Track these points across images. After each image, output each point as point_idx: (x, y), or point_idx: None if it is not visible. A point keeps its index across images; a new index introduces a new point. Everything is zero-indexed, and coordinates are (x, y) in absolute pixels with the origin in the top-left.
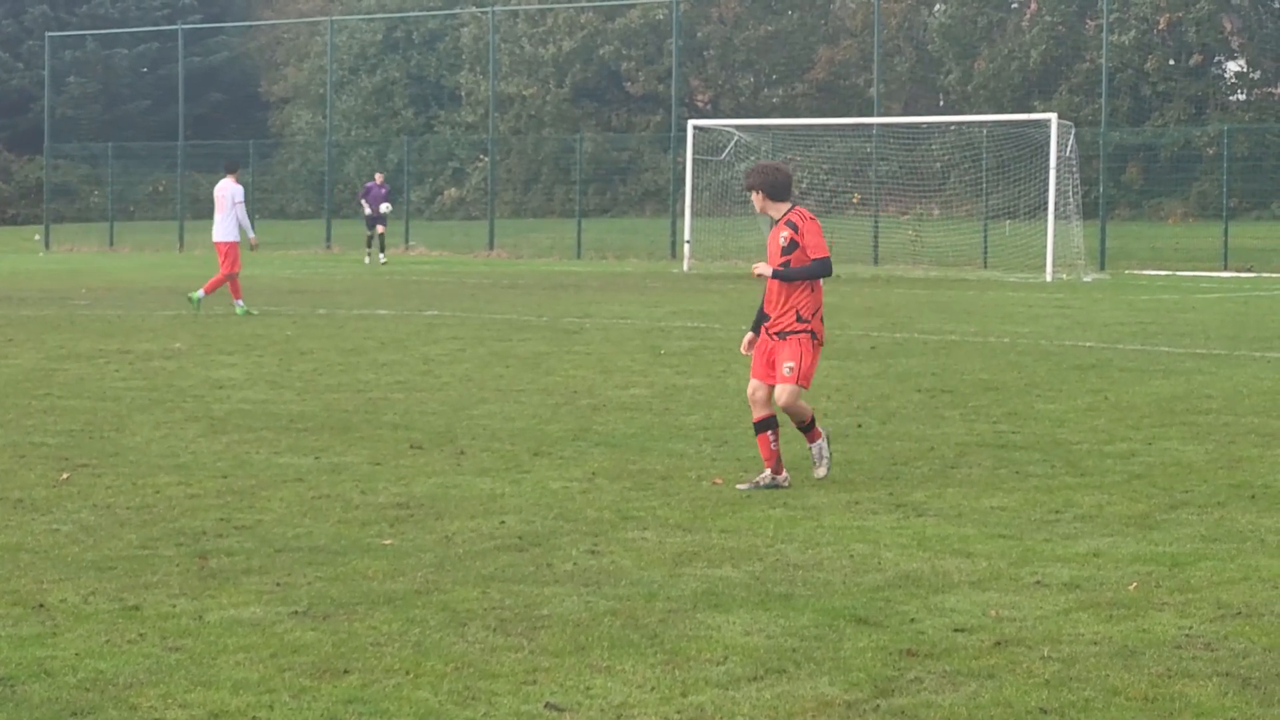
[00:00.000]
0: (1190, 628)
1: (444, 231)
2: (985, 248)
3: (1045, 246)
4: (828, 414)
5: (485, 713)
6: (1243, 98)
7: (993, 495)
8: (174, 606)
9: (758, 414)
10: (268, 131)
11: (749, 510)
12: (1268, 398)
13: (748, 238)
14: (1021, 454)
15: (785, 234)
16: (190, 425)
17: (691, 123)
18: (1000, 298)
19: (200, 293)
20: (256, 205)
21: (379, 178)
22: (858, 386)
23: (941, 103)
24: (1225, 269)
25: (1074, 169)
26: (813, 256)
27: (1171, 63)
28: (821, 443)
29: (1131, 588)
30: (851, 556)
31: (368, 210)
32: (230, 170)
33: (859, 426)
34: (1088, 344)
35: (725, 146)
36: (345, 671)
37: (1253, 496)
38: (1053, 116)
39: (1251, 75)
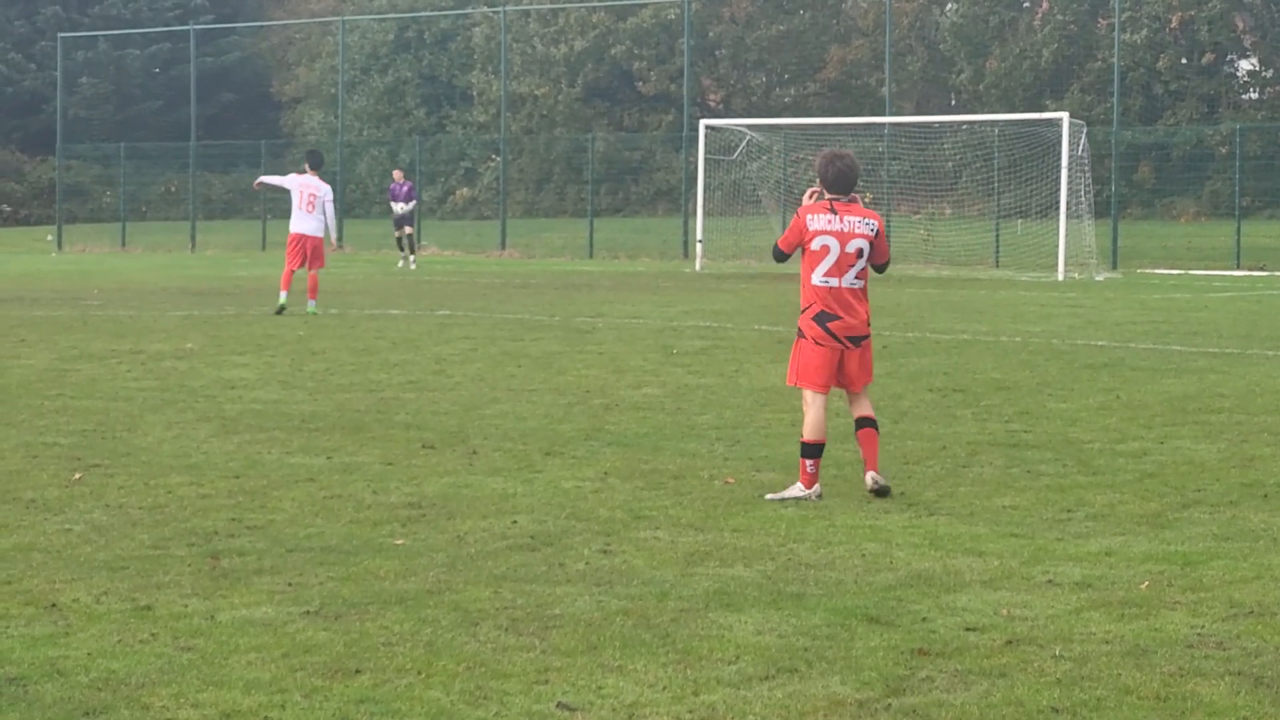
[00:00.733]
0: (1202, 627)
1: (456, 231)
2: (997, 247)
3: (1057, 245)
4: (839, 414)
5: (497, 712)
6: (1255, 96)
7: (1004, 494)
8: (186, 606)
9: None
10: (279, 131)
11: (761, 510)
12: None
13: (759, 237)
14: (1033, 453)
15: None
16: (202, 425)
17: (703, 122)
18: (1012, 297)
19: (312, 303)
20: (269, 205)
21: (398, 175)
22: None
23: (953, 102)
24: (1238, 268)
25: (1086, 168)
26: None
27: (1184, 61)
28: (798, 487)
29: (1143, 587)
30: (863, 556)
31: (396, 210)
32: (316, 165)
33: None
34: (1100, 343)
35: (737, 146)
36: (357, 671)
37: (1265, 495)
38: (1064, 115)
39: (1264, 74)
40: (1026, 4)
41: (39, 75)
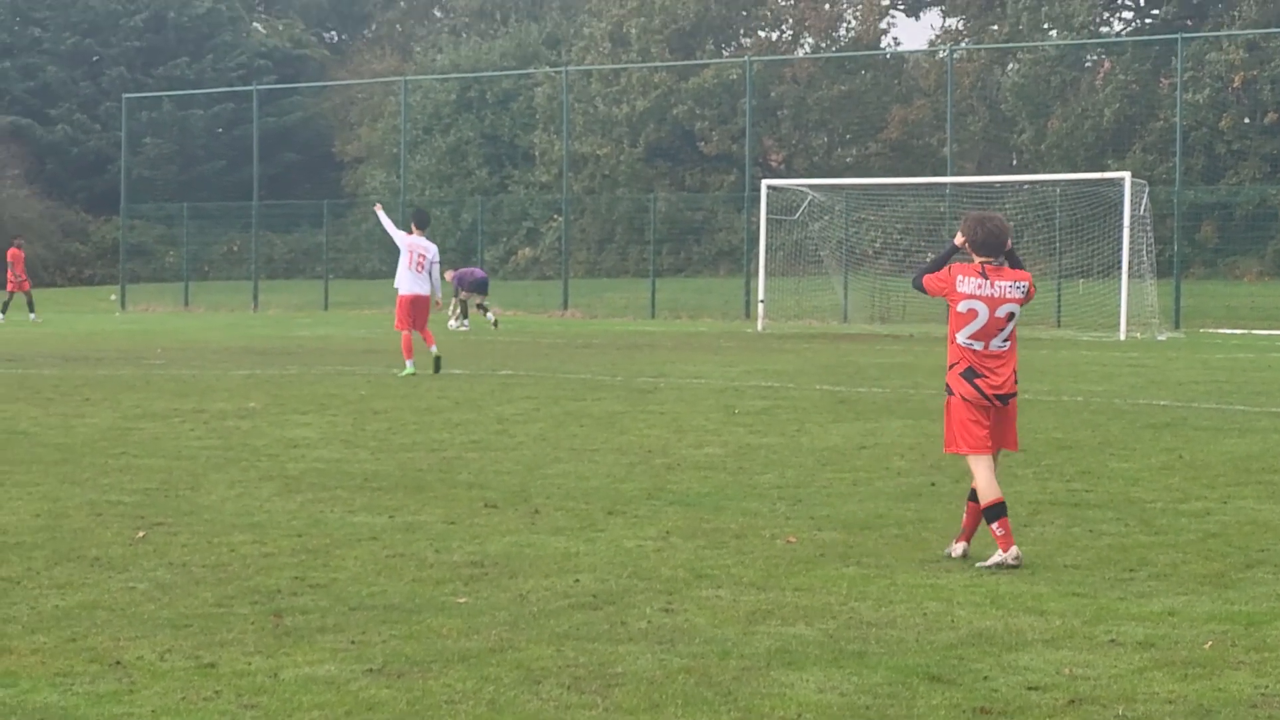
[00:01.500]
0: (1266, 687)
1: (518, 291)
2: (1059, 306)
3: (1119, 305)
4: (901, 473)
5: None
6: None
7: (1066, 553)
8: (249, 664)
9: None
10: (341, 191)
11: (822, 569)
12: None
13: (821, 297)
14: (1095, 512)
15: None
16: (265, 484)
17: (765, 182)
18: (1074, 356)
19: (433, 349)
20: (331, 265)
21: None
22: (931, 445)
23: (1014, 162)
24: None
25: (1148, 228)
26: (927, 273)
27: (1246, 121)
28: (997, 554)
29: (1207, 646)
30: (925, 614)
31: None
32: (423, 225)
33: (932, 485)
34: (1162, 402)
35: (799, 206)
36: None
37: None
38: (1126, 175)
39: None
40: (1088, 64)
41: (104, 136)
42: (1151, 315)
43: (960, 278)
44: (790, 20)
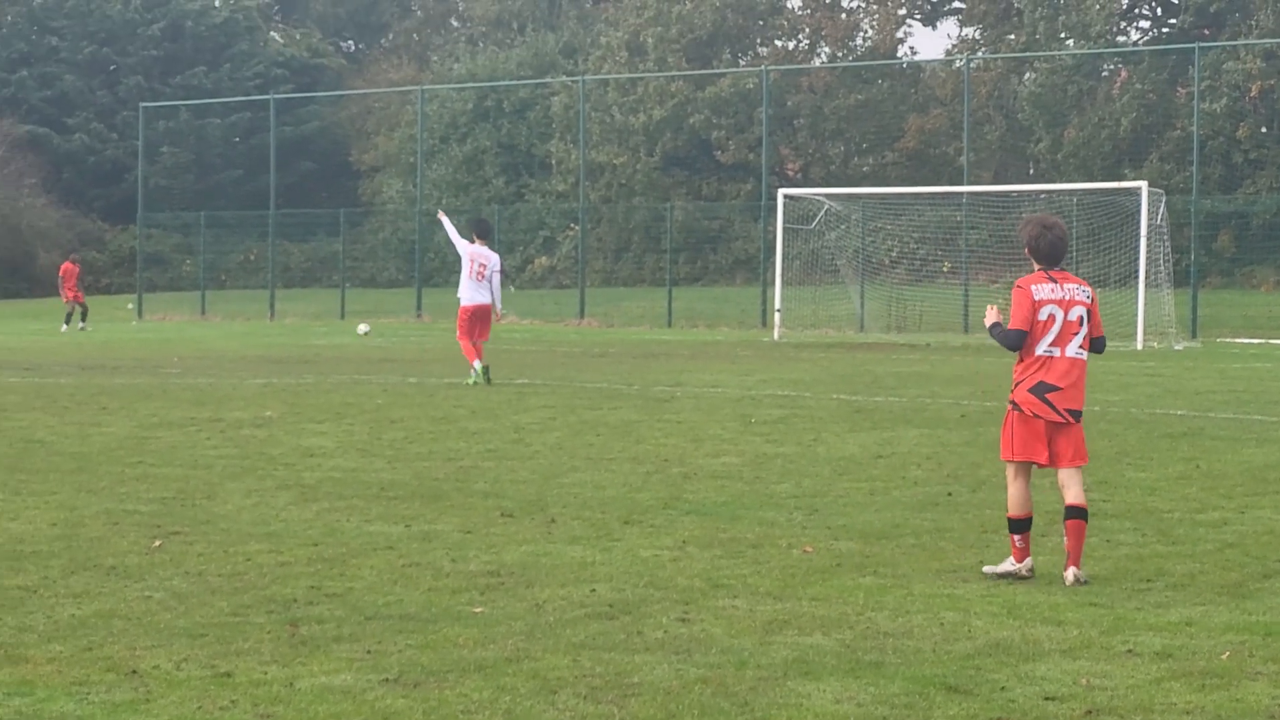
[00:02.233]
0: None
1: (535, 300)
2: None
3: (1136, 314)
4: (918, 483)
5: None
6: None
7: (1083, 563)
8: (265, 673)
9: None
10: (358, 200)
11: (839, 578)
12: None
13: (838, 306)
14: (1112, 522)
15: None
16: (281, 493)
17: (782, 191)
18: (1091, 365)
19: (478, 364)
20: (347, 274)
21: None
22: (948, 455)
23: (1031, 171)
24: None
25: (1165, 237)
26: (1010, 327)
27: (1264, 130)
28: (1009, 562)
29: (1224, 657)
30: (942, 624)
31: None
32: (484, 234)
33: (949, 495)
34: (1179, 412)
35: (815, 215)
36: None
37: None
38: (1143, 185)
39: None
40: (1105, 73)
41: (121, 145)
42: (1168, 325)
43: (1034, 286)
44: (807, 30)
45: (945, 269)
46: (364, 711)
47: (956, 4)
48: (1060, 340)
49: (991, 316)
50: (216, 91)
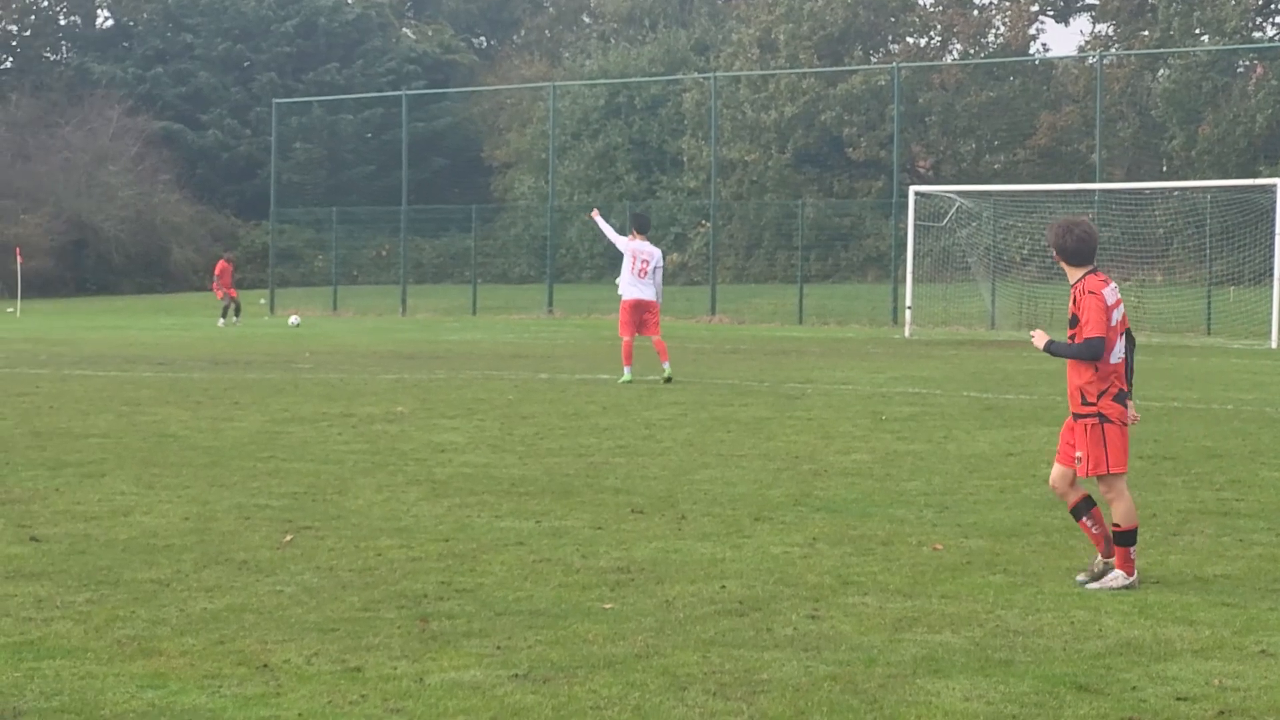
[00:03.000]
0: None
1: (666, 296)
2: (1209, 314)
3: (1271, 313)
4: (1047, 480)
5: None
6: None
7: (1216, 563)
8: (395, 668)
9: (1068, 501)
10: (490, 196)
11: (969, 576)
12: None
13: (969, 304)
14: (1246, 522)
15: (1070, 305)
16: (412, 488)
17: (913, 189)
18: (1223, 364)
19: (666, 365)
20: (479, 269)
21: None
22: None
23: (1164, 168)
24: None
25: None
26: (1084, 336)
27: None
28: (1113, 568)
29: None
30: (1072, 623)
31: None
32: (644, 229)
33: None
34: None
35: (946, 213)
36: None
37: None
38: (1278, 181)
39: None
40: (1240, 69)
41: (254, 141)
42: None
43: (1103, 291)
44: (939, 26)
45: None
46: (493, 707)
47: (1089, 0)
48: (1114, 345)
49: (1041, 339)
50: (349, 87)
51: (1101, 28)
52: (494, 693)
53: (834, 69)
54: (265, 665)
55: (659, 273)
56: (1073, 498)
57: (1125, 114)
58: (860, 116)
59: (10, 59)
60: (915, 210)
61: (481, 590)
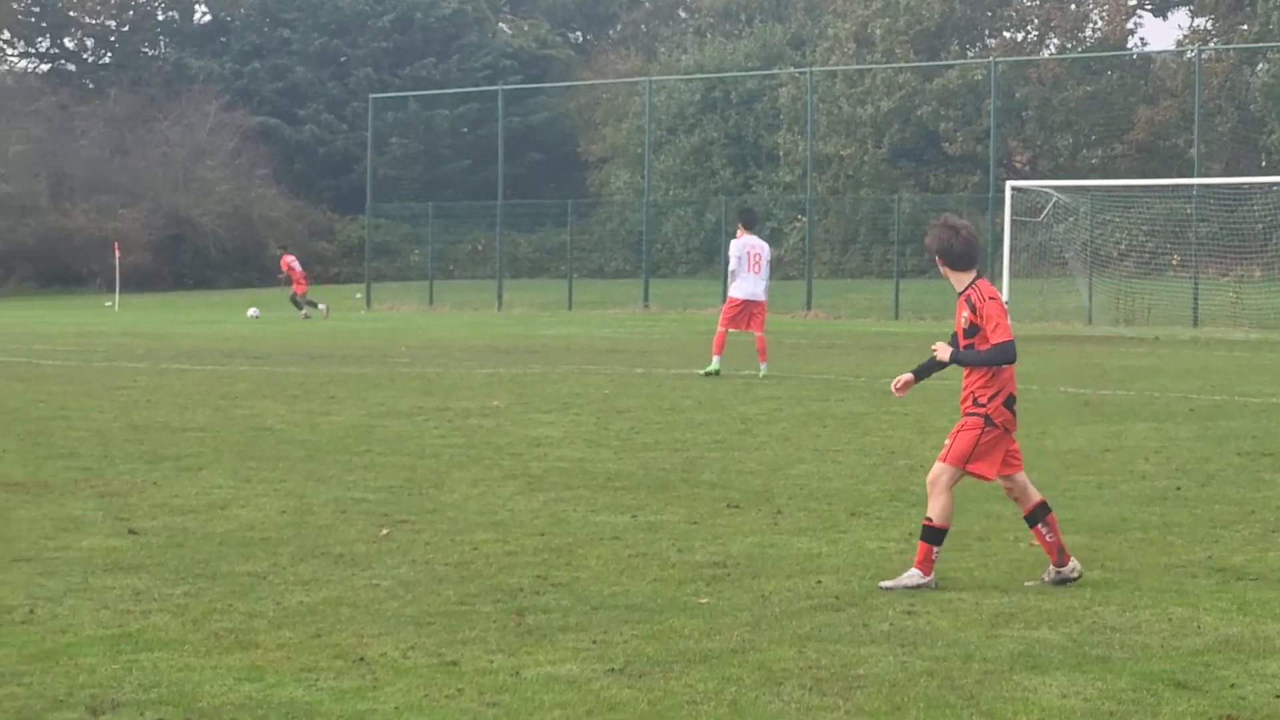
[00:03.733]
0: None
1: None
2: None
3: None
4: (1145, 476)
5: None
6: None
7: None
8: (491, 662)
9: (1022, 509)
10: (585, 191)
11: None
12: None
13: (1066, 299)
14: None
15: (965, 314)
16: (508, 482)
17: (1010, 184)
18: None
19: (764, 365)
20: (575, 264)
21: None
22: (1176, 449)
23: (1264, 163)
24: None
25: None
26: (992, 341)
27: None
28: (915, 573)
29: None
30: (1170, 620)
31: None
32: (751, 224)
33: (1178, 489)
34: None
35: (1044, 208)
36: None
37: None
38: None
39: None
40: None
41: (350, 136)
42: None
43: (1001, 298)
44: (1035, 21)
45: (1174, 262)
46: (589, 701)
47: None
48: None
49: (943, 351)
50: (445, 83)
51: (1200, 22)
52: (590, 687)
53: (930, 64)
54: (362, 658)
55: (768, 267)
56: (1028, 504)
57: (1223, 108)
58: (956, 111)
59: (109, 54)
60: (1012, 205)
61: (577, 584)
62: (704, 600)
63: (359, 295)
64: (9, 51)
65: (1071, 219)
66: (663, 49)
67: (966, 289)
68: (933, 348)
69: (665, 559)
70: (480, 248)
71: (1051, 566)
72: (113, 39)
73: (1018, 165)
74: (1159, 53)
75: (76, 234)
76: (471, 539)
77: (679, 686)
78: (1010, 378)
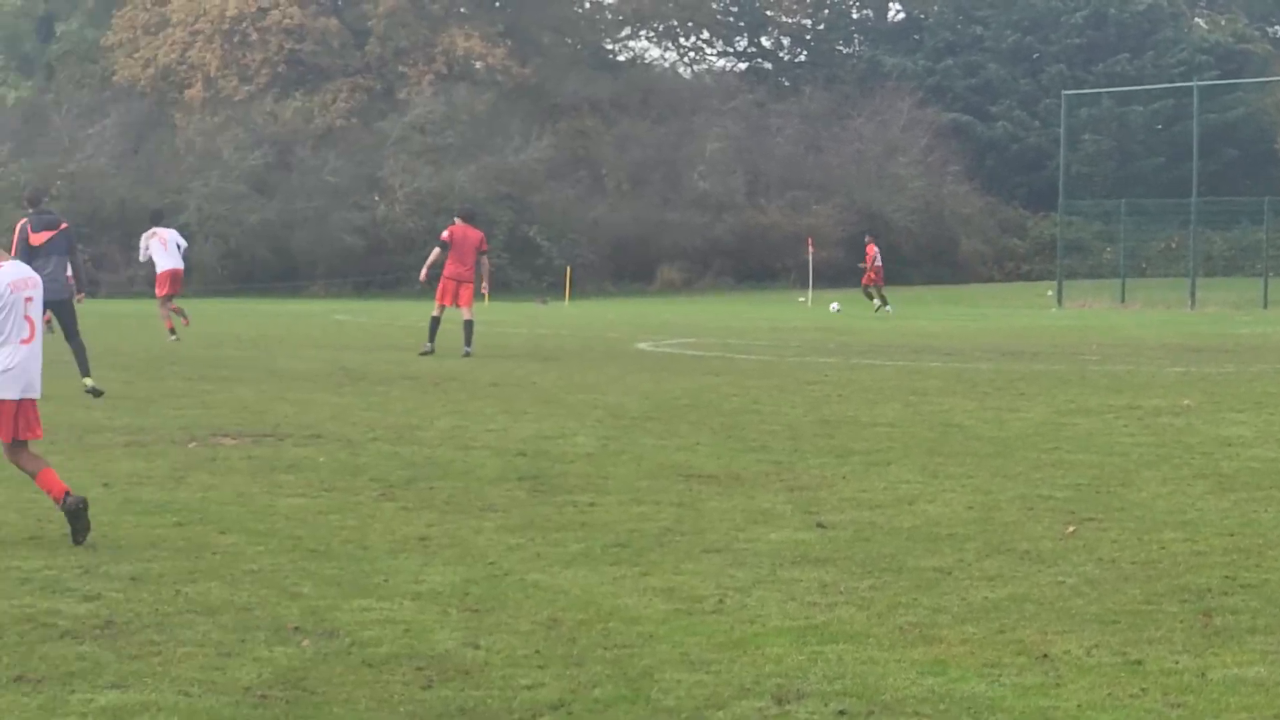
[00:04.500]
0: None
1: None
2: None
3: None
4: None
5: None
6: None
7: None
8: (1176, 663)
9: None
10: None
11: None
12: None
13: None
14: None
15: None
16: (1197, 482)
17: None
18: None
19: None
20: (1271, 263)
21: None
22: None
23: None
24: None
25: None
26: None
27: None
28: None
29: None
30: None
31: None
32: None
33: None
34: None
35: None
36: None
37: None
38: None
39: None
40: None
41: (1042, 133)
42: None
43: None
44: None
45: None
46: (1277, 706)
47: None
48: None
49: None
50: (1139, 79)
51: None
52: (1278, 690)
53: None
54: (1045, 655)
55: None
56: None
57: None
58: None
59: (804, 52)
60: None
61: (1266, 586)
62: None
63: (1050, 293)
64: (708, 51)
65: None
66: None
67: None
68: None
69: None
70: (1174, 245)
71: None
72: (808, 37)
73: None
74: None
75: (771, 230)
76: (1159, 538)
77: None
78: None
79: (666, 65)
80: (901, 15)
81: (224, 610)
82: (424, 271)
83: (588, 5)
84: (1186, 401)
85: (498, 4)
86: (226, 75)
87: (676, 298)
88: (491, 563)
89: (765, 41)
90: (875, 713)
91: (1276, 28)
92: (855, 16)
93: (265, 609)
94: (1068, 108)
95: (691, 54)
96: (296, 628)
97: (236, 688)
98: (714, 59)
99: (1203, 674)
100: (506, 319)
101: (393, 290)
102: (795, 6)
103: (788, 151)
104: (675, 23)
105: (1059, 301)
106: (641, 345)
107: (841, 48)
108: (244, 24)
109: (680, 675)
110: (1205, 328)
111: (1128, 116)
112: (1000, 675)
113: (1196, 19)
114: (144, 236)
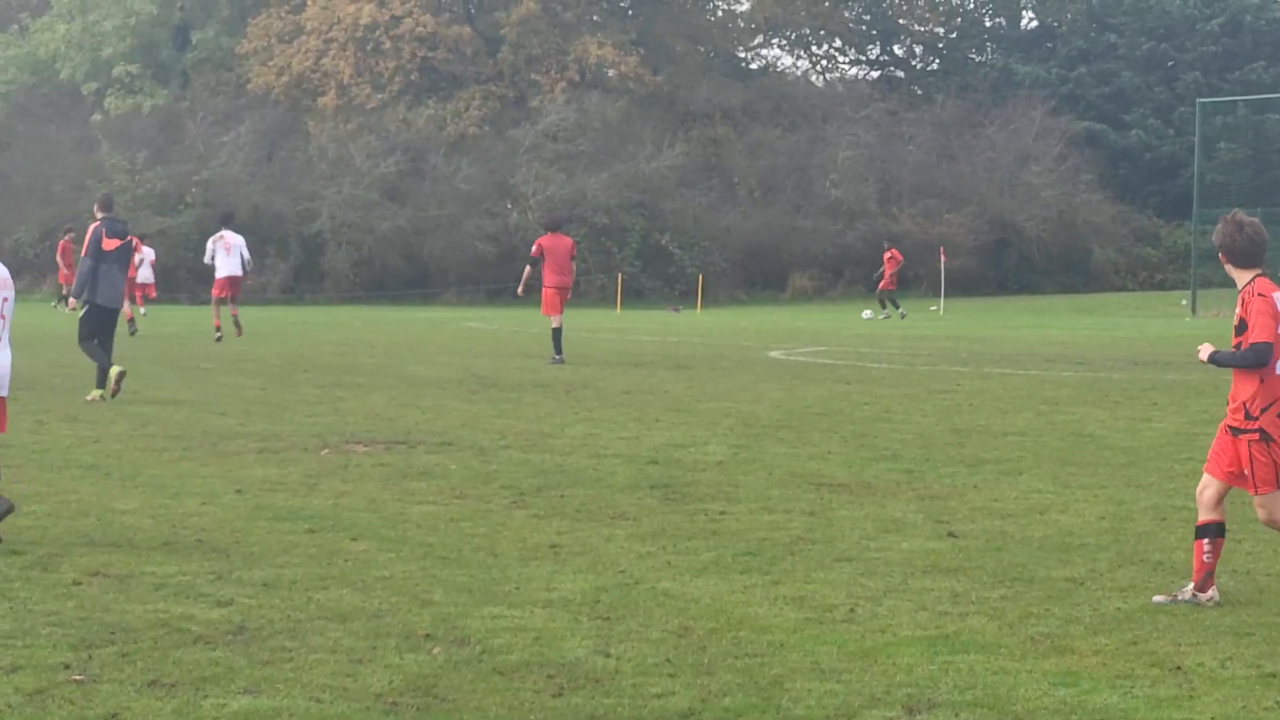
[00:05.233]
0: None
1: None
2: None
3: None
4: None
5: None
6: None
7: None
8: None
9: (1200, 516)
10: None
11: None
12: None
13: None
14: None
15: (1237, 311)
16: None
17: None
18: None
19: None
20: None
21: None
22: None
23: None
24: None
25: None
26: (1250, 340)
27: None
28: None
29: None
30: None
31: None
32: None
33: None
34: None
35: None
36: None
37: None
38: None
39: None
40: None
41: (1177, 141)
42: None
43: (1274, 295)
44: None
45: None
46: None
47: None
48: None
49: (1205, 350)
50: (1275, 87)
51: None
52: None
53: None
54: (1178, 667)
55: None
56: (1208, 516)
57: None
58: None
59: (937, 60)
60: None
61: None
62: None
63: (1184, 302)
64: (840, 59)
65: None
66: None
67: (1244, 286)
68: (1198, 347)
69: None
70: None
71: (1190, 585)
72: (940, 45)
73: None
74: None
75: (904, 238)
76: None
77: None
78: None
79: (799, 73)
80: (1034, 23)
81: (355, 617)
82: (521, 287)
83: (720, 14)
84: None
85: (630, 12)
86: (359, 83)
87: (808, 306)
88: (622, 571)
89: (897, 50)
90: None
91: None
92: (988, 25)
93: (396, 616)
94: (1203, 116)
95: (824, 62)
96: (427, 635)
97: (367, 694)
98: (846, 67)
99: None
100: (639, 327)
101: (525, 297)
102: (928, 15)
103: (919, 160)
104: (807, 31)
105: (1193, 311)
106: (773, 353)
107: (974, 56)
108: (377, 32)
109: (811, 684)
110: None
111: (1264, 125)
112: (1133, 687)
113: None
114: (211, 240)
